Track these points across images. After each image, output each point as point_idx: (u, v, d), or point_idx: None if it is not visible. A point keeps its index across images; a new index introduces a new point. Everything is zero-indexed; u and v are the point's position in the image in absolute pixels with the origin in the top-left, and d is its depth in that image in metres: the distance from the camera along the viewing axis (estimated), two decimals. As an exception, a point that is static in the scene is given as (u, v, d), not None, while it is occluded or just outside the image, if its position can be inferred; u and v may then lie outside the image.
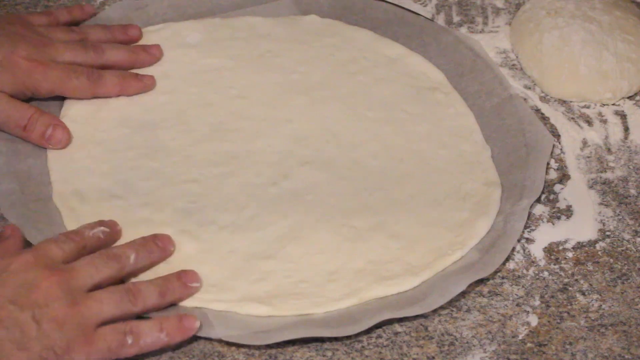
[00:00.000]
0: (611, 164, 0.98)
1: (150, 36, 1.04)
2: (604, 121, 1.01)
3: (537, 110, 1.02)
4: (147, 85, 0.99)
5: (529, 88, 1.04)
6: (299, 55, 1.04)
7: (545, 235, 0.92)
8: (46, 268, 0.78)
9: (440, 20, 1.10)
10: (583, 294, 0.87)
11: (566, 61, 1.02)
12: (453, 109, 1.01)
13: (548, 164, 0.96)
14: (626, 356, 0.83)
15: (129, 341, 0.78)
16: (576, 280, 0.88)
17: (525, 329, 0.85)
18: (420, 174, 0.95)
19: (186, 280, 0.83)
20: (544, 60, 1.03)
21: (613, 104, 1.03)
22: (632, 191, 0.96)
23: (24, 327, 0.75)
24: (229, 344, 0.81)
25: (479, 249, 0.89)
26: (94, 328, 0.77)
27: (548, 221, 0.93)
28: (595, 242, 0.91)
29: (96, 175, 0.92)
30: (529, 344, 0.84)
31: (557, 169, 0.97)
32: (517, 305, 0.86)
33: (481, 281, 0.87)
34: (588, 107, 1.03)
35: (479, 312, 0.85)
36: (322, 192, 0.92)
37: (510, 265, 0.89)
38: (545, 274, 0.89)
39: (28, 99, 0.95)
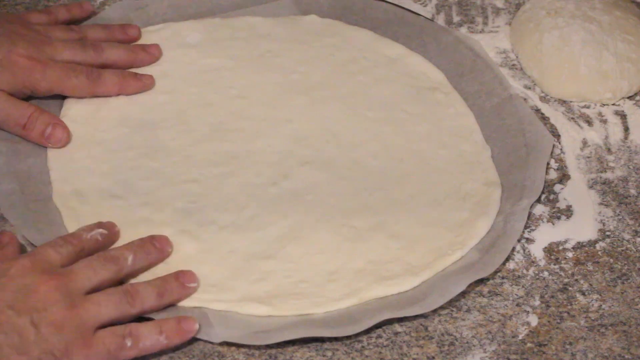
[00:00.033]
0: (611, 164, 0.98)
1: (150, 36, 1.04)
2: (604, 121, 1.01)
3: (537, 110, 1.02)
4: (146, 84, 0.99)
5: (529, 88, 1.04)
6: (299, 55, 1.04)
7: (545, 235, 0.91)
8: (44, 272, 0.78)
9: (440, 20, 1.10)
10: (583, 294, 0.87)
11: (566, 61, 1.02)
12: (453, 109, 1.01)
13: (548, 164, 0.96)
14: (626, 356, 0.83)
15: (128, 344, 0.78)
16: (576, 280, 0.88)
17: (525, 329, 0.85)
18: (420, 174, 0.95)
19: (184, 281, 0.83)
20: (544, 60, 1.03)
21: (613, 104, 1.03)
22: (632, 191, 0.96)
23: (22, 331, 0.75)
24: (229, 344, 0.81)
25: (479, 249, 0.89)
26: (92, 331, 0.77)
27: (548, 221, 0.93)
28: (595, 242, 0.91)
29: (96, 175, 0.92)
30: (529, 344, 0.84)
31: (557, 169, 0.97)
32: (517, 305, 0.86)
33: (481, 281, 0.87)
34: (588, 107, 1.03)
35: (479, 312, 0.85)
36: (322, 192, 0.92)
37: (510, 265, 0.89)
38: (545, 274, 0.89)
39: (27, 98, 0.95)
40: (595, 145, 0.99)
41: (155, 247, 0.85)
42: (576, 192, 0.95)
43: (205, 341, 0.81)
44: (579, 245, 0.91)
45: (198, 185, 0.92)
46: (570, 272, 0.89)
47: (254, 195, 0.91)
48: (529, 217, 0.92)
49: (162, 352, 0.80)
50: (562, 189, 0.95)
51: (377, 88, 1.02)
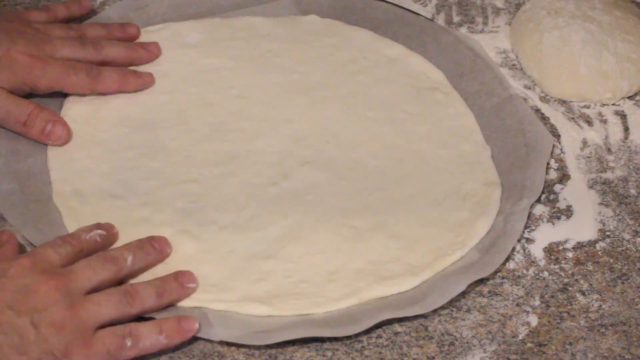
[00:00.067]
0: (611, 164, 0.98)
1: (150, 36, 1.04)
2: (604, 121, 1.01)
3: (537, 110, 1.02)
4: (146, 82, 0.99)
5: (529, 88, 1.04)
6: (299, 55, 1.04)
7: (545, 235, 0.91)
8: (44, 272, 0.78)
9: (440, 20, 1.10)
10: (583, 294, 0.87)
11: (566, 61, 1.02)
12: (453, 109, 1.01)
13: (548, 164, 0.96)
14: (626, 356, 0.83)
15: (128, 344, 0.78)
16: (576, 280, 0.88)
17: (525, 329, 0.85)
18: (420, 174, 0.95)
19: (183, 281, 0.83)
20: (544, 60, 1.03)
21: (613, 104, 1.03)
22: (632, 191, 0.96)
23: (22, 332, 0.75)
24: (229, 344, 0.81)
25: (479, 249, 0.89)
26: (92, 331, 0.77)
27: (548, 221, 0.93)
28: (595, 242, 0.91)
29: (96, 175, 0.92)
30: (529, 344, 0.84)
31: (557, 169, 0.97)
32: (517, 305, 0.86)
33: (481, 281, 0.87)
34: (588, 107, 1.03)
35: (479, 312, 0.85)
36: (322, 192, 0.92)
37: (510, 265, 0.89)
38: (545, 274, 0.89)
39: (27, 96, 0.95)
40: (595, 145, 0.99)
41: (154, 248, 0.85)
42: (576, 192, 0.95)
43: (206, 340, 0.81)
44: (579, 245, 0.91)
45: (198, 185, 0.92)
46: (570, 272, 0.89)
47: (254, 195, 0.91)
48: (529, 217, 0.92)
49: (162, 352, 0.80)
50: (562, 189, 0.95)
51: (377, 88, 1.02)
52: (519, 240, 0.90)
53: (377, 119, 0.99)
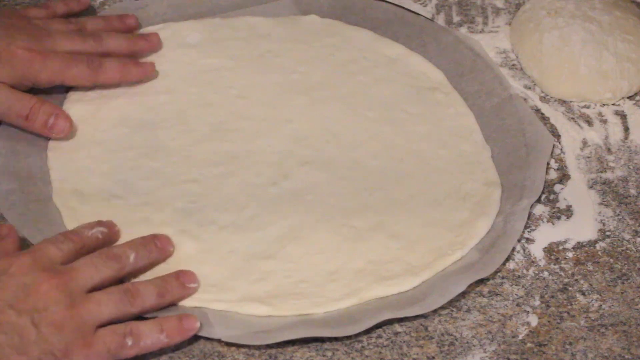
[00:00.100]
0: (611, 164, 0.98)
1: (150, 36, 1.04)
2: (604, 121, 1.01)
3: (537, 110, 1.02)
4: (147, 71, 0.98)
5: (529, 88, 1.04)
6: (299, 55, 1.04)
7: (545, 235, 0.91)
8: (45, 270, 0.78)
9: (440, 20, 1.10)
10: (583, 294, 0.87)
11: (566, 61, 1.02)
12: (453, 109, 1.01)
13: (548, 164, 0.96)
14: (626, 356, 0.83)
15: (129, 343, 0.78)
16: (576, 280, 0.88)
17: (525, 329, 0.85)
18: (420, 174, 0.95)
19: (184, 281, 0.83)
20: (544, 60, 1.03)
21: (613, 104, 1.03)
22: (632, 191, 0.96)
23: (23, 331, 0.75)
24: (229, 344, 0.81)
25: (479, 249, 0.89)
26: (93, 330, 0.77)
27: (548, 221, 0.93)
28: (595, 242, 0.91)
29: (96, 175, 0.92)
30: (529, 344, 0.84)
31: (557, 169, 0.97)
32: (517, 305, 0.86)
33: (481, 281, 0.87)
34: (588, 107, 1.03)
35: (479, 312, 0.85)
36: (322, 192, 0.92)
37: (510, 265, 0.89)
38: (545, 274, 0.89)
39: (29, 91, 0.94)
40: (595, 145, 0.99)
41: (157, 246, 0.85)
42: (576, 192, 0.95)
43: (206, 340, 0.81)
44: (579, 245, 0.91)
45: (198, 185, 0.92)
46: (570, 272, 0.89)
47: (254, 195, 0.91)
48: (529, 217, 0.92)
49: (162, 352, 0.80)
50: (562, 189, 0.95)
51: (377, 88, 1.02)
52: (519, 240, 0.90)
53: (377, 119, 0.99)
